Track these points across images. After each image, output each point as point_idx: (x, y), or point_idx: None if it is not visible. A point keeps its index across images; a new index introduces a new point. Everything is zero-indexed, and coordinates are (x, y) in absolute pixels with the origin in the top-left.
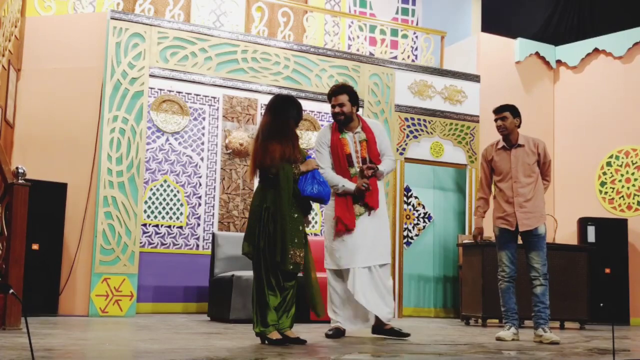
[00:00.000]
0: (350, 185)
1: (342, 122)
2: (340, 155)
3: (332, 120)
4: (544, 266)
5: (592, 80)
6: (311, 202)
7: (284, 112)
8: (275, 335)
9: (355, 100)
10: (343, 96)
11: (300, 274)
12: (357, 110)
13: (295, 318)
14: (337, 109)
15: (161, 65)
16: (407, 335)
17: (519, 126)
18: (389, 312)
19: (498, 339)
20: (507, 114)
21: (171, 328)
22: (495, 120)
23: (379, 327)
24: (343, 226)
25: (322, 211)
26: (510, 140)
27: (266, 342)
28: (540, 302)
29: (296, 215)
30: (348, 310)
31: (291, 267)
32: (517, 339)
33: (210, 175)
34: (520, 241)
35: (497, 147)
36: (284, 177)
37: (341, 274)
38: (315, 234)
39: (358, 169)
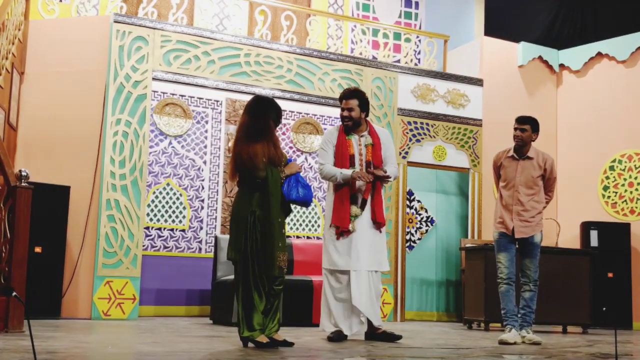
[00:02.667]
0: (347, 171)
1: (349, 126)
2: (343, 155)
3: (339, 122)
4: (535, 273)
5: (595, 84)
6: (294, 205)
7: (262, 112)
8: (263, 338)
9: (365, 106)
10: (353, 101)
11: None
12: (367, 115)
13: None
14: (346, 113)
15: (164, 69)
16: (399, 337)
17: (534, 140)
18: (380, 317)
19: (501, 342)
20: (527, 127)
21: (173, 331)
22: (515, 128)
23: (371, 332)
24: (339, 229)
25: (324, 214)
26: (522, 151)
27: (249, 344)
28: (528, 306)
29: (280, 219)
30: (345, 313)
31: (277, 271)
32: (519, 341)
33: (212, 178)
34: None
35: (507, 155)
36: (273, 182)
37: (339, 276)
38: (318, 237)
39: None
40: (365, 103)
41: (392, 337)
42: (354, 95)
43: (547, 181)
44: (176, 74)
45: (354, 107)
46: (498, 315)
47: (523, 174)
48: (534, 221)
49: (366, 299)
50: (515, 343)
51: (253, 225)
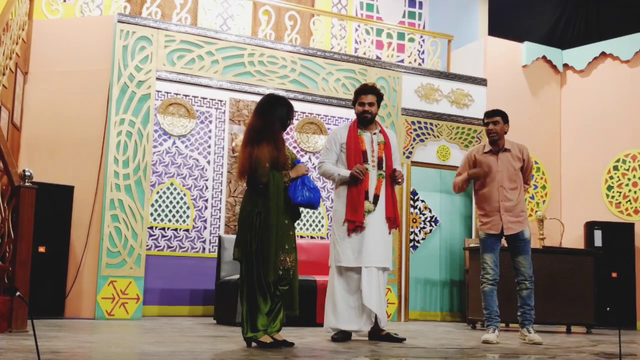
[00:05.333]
0: (345, 172)
1: (368, 120)
2: (356, 151)
3: (343, 122)
4: (529, 269)
5: (599, 84)
6: (302, 207)
7: (269, 112)
8: (267, 339)
9: (379, 103)
10: (372, 96)
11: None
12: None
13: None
14: (367, 107)
15: (168, 69)
16: (403, 339)
17: (506, 132)
18: (386, 317)
19: (485, 342)
20: (498, 119)
21: (177, 331)
22: (487, 124)
23: (375, 332)
24: (353, 225)
25: (328, 214)
26: (498, 144)
27: (253, 344)
28: (526, 304)
29: (287, 221)
30: (353, 312)
31: (281, 272)
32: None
33: (216, 178)
34: (505, 244)
35: (484, 151)
36: (274, 187)
37: (348, 273)
38: (322, 237)
39: (372, 168)
40: (381, 101)
41: (396, 339)
42: (373, 91)
43: (526, 170)
44: (180, 73)
45: (374, 102)
46: (502, 315)
47: (505, 167)
48: (522, 216)
49: (376, 298)
50: (497, 343)
51: (259, 227)
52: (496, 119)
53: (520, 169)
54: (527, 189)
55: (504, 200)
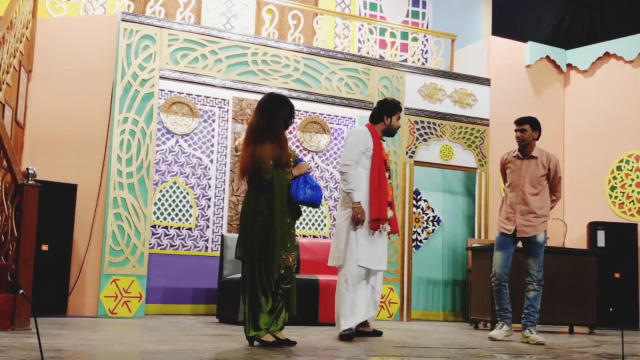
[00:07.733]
0: (356, 198)
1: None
2: (380, 159)
3: (346, 121)
4: (539, 272)
5: (602, 84)
6: (303, 206)
7: (273, 111)
8: (269, 337)
9: None
10: None
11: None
12: None
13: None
14: (400, 123)
15: (171, 67)
16: (380, 333)
17: (537, 138)
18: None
19: (490, 338)
20: (527, 127)
21: (180, 329)
22: (515, 130)
23: (362, 329)
24: (377, 223)
25: (330, 213)
26: (525, 151)
27: (255, 343)
28: (531, 305)
29: (288, 220)
30: (363, 309)
31: (283, 271)
32: (511, 334)
33: (219, 177)
34: (520, 245)
35: (512, 155)
36: (279, 185)
37: (367, 275)
38: (324, 237)
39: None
40: None
41: (376, 334)
42: None
43: (552, 181)
44: (183, 72)
45: None
46: None
47: (528, 172)
48: (537, 221)
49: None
50: (503, 340)
51: (261, 225)
52: (524, 127)
53: (545, 177)
54: (556, 200)
55: (521, 204)
